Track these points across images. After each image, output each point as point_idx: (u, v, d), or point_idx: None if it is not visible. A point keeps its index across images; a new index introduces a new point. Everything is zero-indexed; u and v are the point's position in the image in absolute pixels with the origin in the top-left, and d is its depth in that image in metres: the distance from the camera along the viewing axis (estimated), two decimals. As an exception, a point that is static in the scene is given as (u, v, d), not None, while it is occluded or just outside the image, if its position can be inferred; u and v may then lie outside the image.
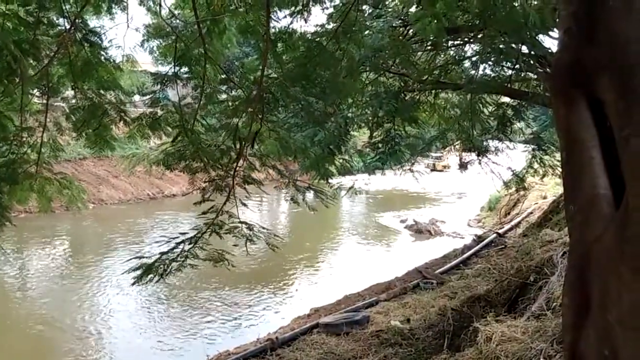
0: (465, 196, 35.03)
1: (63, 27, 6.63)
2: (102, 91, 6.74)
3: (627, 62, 1.75)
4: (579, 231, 1.96)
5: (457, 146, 13.43)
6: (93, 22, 8.59)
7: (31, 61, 6.46)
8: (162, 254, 6.66)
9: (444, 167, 46.65)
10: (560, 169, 9.41)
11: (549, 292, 6.23)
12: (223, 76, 7.17)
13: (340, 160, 10.33)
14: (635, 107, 1.65)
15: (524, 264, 8.02)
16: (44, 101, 7.27)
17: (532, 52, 9.42)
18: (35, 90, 7.70)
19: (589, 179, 1.89)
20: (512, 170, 11.84)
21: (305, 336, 9.95)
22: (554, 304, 5.85)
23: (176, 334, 12.77)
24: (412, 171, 12.76)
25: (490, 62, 9.53)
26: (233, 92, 7.40)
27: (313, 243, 22.40)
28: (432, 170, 41.21)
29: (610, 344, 1.71)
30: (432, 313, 9.42)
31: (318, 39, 7.62)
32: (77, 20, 6.24)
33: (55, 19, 6.93)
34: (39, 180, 7.01)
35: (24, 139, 6.99)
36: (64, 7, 6.38)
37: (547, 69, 9.54)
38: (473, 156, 11.64)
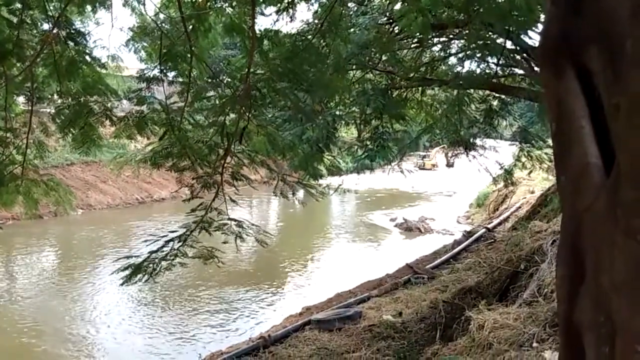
0: (454, 194, 35.17)
1: (47, 27, 6.59)
2: (87, 90, 6.66)
3: (615, 32, 1.75)
4: (570, 201, 1.96)
5: (444, 142, 13.48)
6: (78, 23, 8.57)
7: (15, 61, 6.42)
8: (150, 252, 6.61)
9: (433, 165, 46.92)
10: (547, 163, 9.45)
11: (540, 279, 6.26)
12: (210, 74, 7.16)
13: (329, 158, 10.32)
14: (624, 76, 1.65)
15: (514, 254, 8.06)
16: (29, 106, 7.21)
17: (517, 47, 9.51)
18: (21, 96, 7.65)
19: (579, 148, 1.89)
20: (500, 165, 11.90)
21: (297, 333, 9.93)
22: (545, 290, 5.88)
23: (168, 335, 12.70)
24: (400, 169, 12.78)
25: (476, 58, 9.60)
26: (220, 90, 7.37)
27: (304, 242, 22.40)
28: (420, 169, 41.45)
29: (605, 311, 1.71)
30: (423, 306, 9.44)
31: (304, 36, 7.65)
32: (60, 19, 6.19)
33: (39, 19, 6.89)
34: (25, 182, 6.93)
35: (9, 140, 6.92)
36: (47, 7, 6.33)
37: (532, 63, 9.64)
38: (461, 151, 11.69)
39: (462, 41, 9.97)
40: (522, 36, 8.80)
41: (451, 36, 10.28)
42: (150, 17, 7.58)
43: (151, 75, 6.75)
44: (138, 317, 13.84)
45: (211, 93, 7.15)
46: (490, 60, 9.49)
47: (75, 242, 22.77)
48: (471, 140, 10.98)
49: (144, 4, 7.71)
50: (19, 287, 16.68)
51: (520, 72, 10.74)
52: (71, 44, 6.59)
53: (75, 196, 20.64)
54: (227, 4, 6.85)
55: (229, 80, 7.21)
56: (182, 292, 15.21)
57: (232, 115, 6.21)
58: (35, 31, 6.91)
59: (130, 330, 13.11)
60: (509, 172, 12.04)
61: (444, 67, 11.53)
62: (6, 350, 12.13)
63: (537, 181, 21.96)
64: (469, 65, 10.37)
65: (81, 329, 13.22)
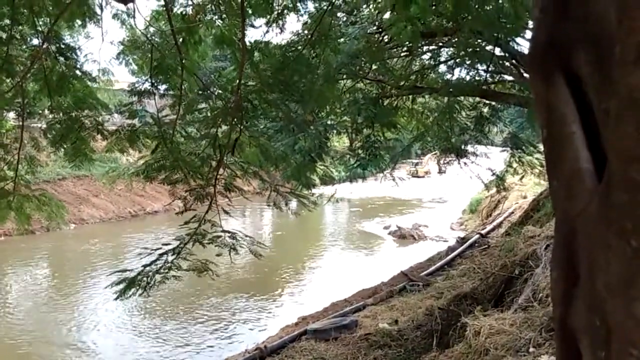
0: (446, 201, 35.26)
1: (37, 43, 6.60)
2: (78, 104, 6.66)
3: (602, 36, 1.77)
4: (562, 205, 1.97)
5: (436, 149, 13.52)
6: (67, 38, 8.57)
7: (5, 77, 6.41)
8: (144, 266, 6.58)
9: (425, 173, 47.06)
10: (538, 168, 9.48)
11: (535, 284, 6.28)
12: (201, 86, 7.18)
13: (322, 168, 10.34)
14: (613, 81, 1.66)
15: (508, 260, 8.07)
16: (20, 122, 7.19)
17: (506, 54, 9.58)
18: (11, 111, 7.64)
19: (571, 153, 1.90)
20: (492, 171, 11.93)
21: (294, 343, 9.90)
22: (540, 295, 5.89)
23: (163, 348, 12.62)
24: (392, 177, 12.79)
25: (465, 66, 9.66)
26: (211, 102, 7.38)
27: (299, 252, 22.37)
28: (413, 176, 41.58)
29: (600, 313, 1.71)
30: (419, 314, 9.43)
31: (294, 47, 7.68)
32: (50, 34, 6.19)
33: (28, 34, 6.90)
34: (16, 197, 6.90)
35: (0, 156, 6.91)
36: (36, 22, 6.33)
37: (521, 69, 9.71)
38: (452, 158, 11.71)
39: (452, 49, 10.03)
40: (510, 43, 8.87)
41: (440, 44, 10.34)
42: (140, 30, 7.59)
43: (142, 89, 6.75)
44: (132, 330, 13.75)
45: (203, 105, 7.16)
46: (480, 68, 9.55)
47: (69, 257, 22.62)
48: (462, 147, 11.02)
49: (133, 17, 7.72)
50: (16, 302, 16.54)
51: (510, 78, 10.81)
52: (61, 58, 6.60)
53: (68, 211, 20.56)
54: (216, 17, 6.88)
55: (220, 92, 7.22)
56: (178, 303, 15.15)
57: (224, 127, 6.21)
58: (24, 46, 6.93)
59: (125, 343, 13.02)
60: (500, 178, 12.07)
61: (433, 75, 11.58)
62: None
63: (529, 186, 22.04)
64: (459, 73, 10.43)
65: (80, 341, 13.15)
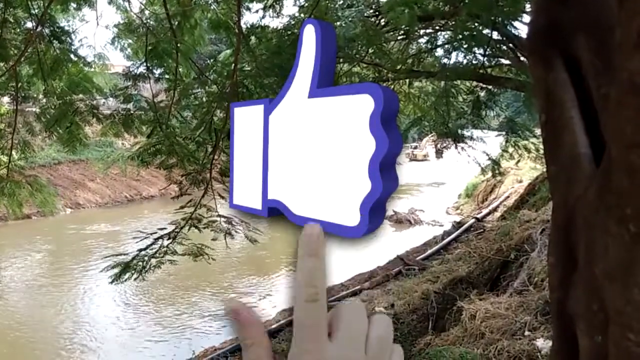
0: (444, 183, 35.28)
1: (31, 26, 6.54)
2: (73, 88, 6.61)
3: (602, 21, 1.74)
4: (561, 190, 1.96)
5: (433, 134, 13.50)
6: (62, 21, 8.48)
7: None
8: (140, 250, 6.59)
9: (424, 156, 46.97)
10: (534, 152, 9.44)
11: (530, 268, 6.30)
12: (196, 71, 7.13)
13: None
14: (613, 66, 1.64)
15: (504, 244, 8.10)
16: (14, 106, 7.13)
17: (504, 37, 9.52)
18: (5, 96, 7.57)
19: (569, 138, 1.89)
20: (488, 155, 11.90)
21: (290, 327, 9.92)
22: (536, 279, 5.92)
23: (160, 332, 12.66)
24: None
25: (462, 49, 9.60)
26: (207, 87, 7.34)
27: (294, 236, 22.35)
28: (411, 160, 41.56)
29: (598, 299, 1.71)
30: (415, 298, 9.45)
31: (290, 31, 7.61)
32: (44, 17, 6.13)
33: (22, 17, 6.82)
34: (9, 184, 6.86)
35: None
36: (30, 5, 6.26)
37: (518, 53, 9.66)
38: (449, 143, 11.68)
39: (449, 32, 9.97)
40: (508, 26, 8.82)
41: (437, 28, 10.28)
42: (135, 13, 7.52)
43: (137, 73, 6.71)
44: (130, 313, 13.79)
45: (198, 90, 7.12)
46: (477, 51, 9.49)
47: (65, 242, 22.57)
48: (459, 131, 10.97)
49: (128, 1, 7.65)
50: (11, 288, 16.54)
51: (507, 62, 10.76)
52: (55, 42, 6.54)
53: (64, 195, 20.53)
54: (212, 0, 6.82)
55: (216, 76, 7.17)
56: (174, 286, 15.17)
57: (220, 112, 6.19)
58: (18, 30, 6.85)
59: (122, 325, 13.06)
60: (496, 163, 12.05)
61: (430, 59, 11.52)
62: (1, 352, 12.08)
63: (525, 170, 22.03)
64: (456, 57, 10.36)
65: (75, 328, 13.16)
